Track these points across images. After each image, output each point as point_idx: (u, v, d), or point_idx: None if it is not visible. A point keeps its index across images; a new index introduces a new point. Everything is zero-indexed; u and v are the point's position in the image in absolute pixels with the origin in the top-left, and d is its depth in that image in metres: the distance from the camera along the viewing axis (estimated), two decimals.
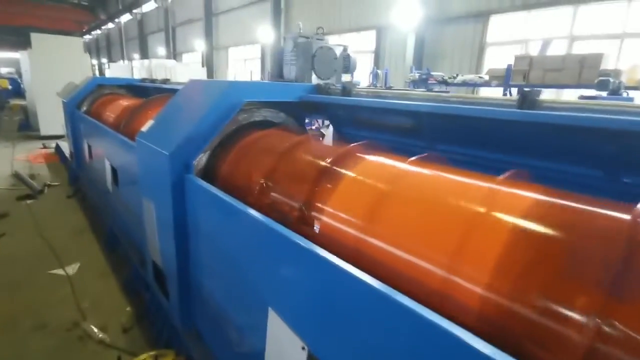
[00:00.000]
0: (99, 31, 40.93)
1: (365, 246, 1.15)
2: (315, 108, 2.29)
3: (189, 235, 1.86)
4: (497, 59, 8.58)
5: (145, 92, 5.61)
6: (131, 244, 2.99)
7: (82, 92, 5.32)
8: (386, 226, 1.12)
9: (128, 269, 2.90)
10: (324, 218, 1.33)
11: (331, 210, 1.31)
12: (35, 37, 9.04)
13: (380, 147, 1.58)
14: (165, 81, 4.83)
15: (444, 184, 1.16)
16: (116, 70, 20.91)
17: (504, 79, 6.38)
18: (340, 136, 2.41)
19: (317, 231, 1.38)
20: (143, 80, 5.61)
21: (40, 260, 3.19)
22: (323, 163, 1.47)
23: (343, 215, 1.26)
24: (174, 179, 1.77)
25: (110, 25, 36.96)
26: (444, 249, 0.97)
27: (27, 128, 10.20)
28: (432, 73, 7.76)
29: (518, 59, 6.34)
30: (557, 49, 7.55)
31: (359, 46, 12.56)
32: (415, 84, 7.77)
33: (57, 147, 7.58)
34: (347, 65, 3.59)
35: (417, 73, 7.93)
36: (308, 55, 3.10)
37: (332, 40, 13.15)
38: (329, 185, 1.39)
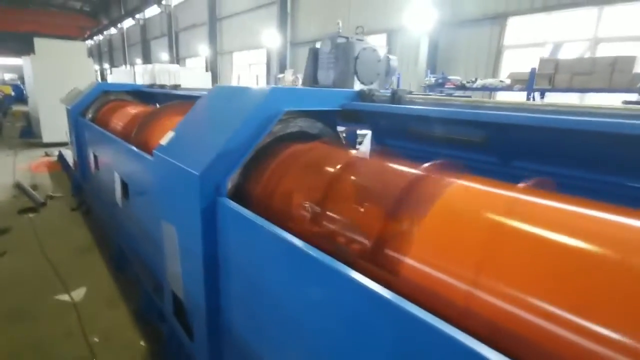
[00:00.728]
0: (100, 36, 41.01)
1: (477, 304, 0.87)
2: (356, 117, 2.03)
3: (221, 268, 1.59)
4: (515, 62, 8.33)
5: (153, 98, 5.40)
6: (143, 266, 2.72)
7: (86, 98, 5.09)
8: (509, 277, 0.85)
9: (139, 295, 2.62)
10: (407, 259, 1.06)
11: (419, 248, 1.04)
12: (38, 42, 8.86)
13: (457, 165, 1.31)
14: (176, 87, 4.59)
15: (582, 221, 0.89)
16: (118, 75, 20.79)
17: (527, 82, 6.12)
18: (382, 148, 2.14)
19: (392, 273, 1.11)
20: (151, 86, 5.39)
21: (43, 283, 2.92)
22: (396, 187, 1.20)
23: (438, 256, 0.99)
24: (205, 203, 1.50)
25: (112, 30, 37.02)
26: (610, 317, 0.69)
27: (29, 135, 9.99)
28: (449, 77, 7.52)
29: (543, 61, 6.09)
30: (578, 52, 7.31)
31: None
32: (430, 88, 7.52)
33: (60, 155, 7.35)
34: (387, 68, 3.37)
35: (433, 77, 7.68)
36: (349, 57, 2.85)
37: None
38: (408, 215, 1.13)
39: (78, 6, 38.59)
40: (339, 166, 1.53)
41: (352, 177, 1.41)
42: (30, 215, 4.44)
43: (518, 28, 8.35)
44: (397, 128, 1.96)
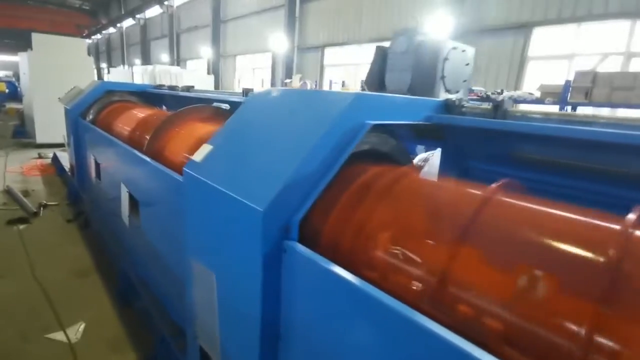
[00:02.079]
0: (99, 35, 40.63)
1: None
2: (436, 133, 1.65)
3: (282, 335, 1.18)
4: (539, 74, 8.05)
5: (161, 100, 5.00)
6: (156, 302, 2.29)
7: (87, 98, 4.69)
8: None
9: (151, 339, 2.20)
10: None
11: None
12: (36, 37, 8.46)
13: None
14: (189, 89, 4.20)
15: None
16: (116, 76, 20.41)
17: (559, 95, 5.81)
18: (463, 173, 1.76)
19: None
20: (159, 86, 5.00)
21: (34, 315, 2.49)
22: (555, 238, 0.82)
23: None
24: (268, 248, 1.11)
25: (111, 29, 36.66)
26: None
27: (22, 134, 9.52)
28: (473, 88, 7.20)
29: (579, 74, 5.78)
30: (609, 67, 7.03)
31: None
32: None
33: (55, 158, 6.91)
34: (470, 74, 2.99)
35: None
36: (435, 58, 2.46)
37: (351, 52, 12.62)
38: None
39: (77, 4, 38.23)
40: (444, 201, 1.15)
41: (470, 217, 1.02)
42: (21, 226, 3.99)
43: (544, 39, 8.09)
44: (494, 149, 1.58)
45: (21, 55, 8.98)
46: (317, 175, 1.16)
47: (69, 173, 5.37)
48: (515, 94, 6.48)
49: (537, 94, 6.31)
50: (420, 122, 1.48)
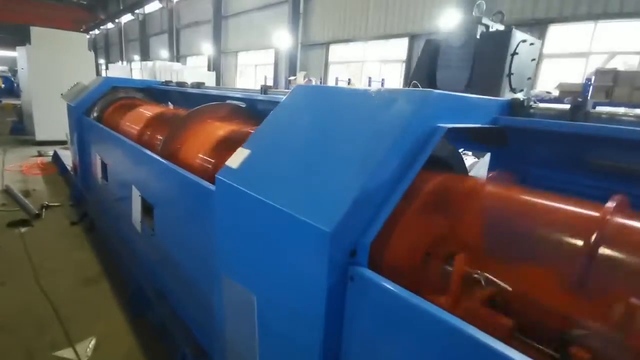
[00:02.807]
0: (97, 31, 40.23)
1: None
2: (498, 137, 1.48)
3: None
4: (555, 72, 7.89)
5: (168, 97, 4.83)
6: (174, 317, 2.12)
7: (92, 94, 4.51)
8: None
9: (168, 355, 2.04)
10: None
11: None
12: (35, 31, 8.24)
13: None
14: (199, 85, 4.02)
15: None
16: (115, 72, 20.12)
17: (579, 95, 5.66)
18: (515, 179, 1.59)
19: None
20: (166, 83, 4.81)
21: (40, 330, 2.32)
22: None
23: None
24: (333, 277, 0.94)
25: (109, 25, 36.29)
26: None
27: (20, 131, 9.31)
28: None
29: (600, 73, 5.63)
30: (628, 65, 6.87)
31: (386, 55, 11.89)
32: None
33: (55, 156, 6.72)
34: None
35: None
36: (502, 53, 2.23)
37: (357, 49, 12.42)
38: None
39: None
40: (542, 219, 0.99)
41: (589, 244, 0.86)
42: (22, 229, 3.81)
43: (559, 36, 7.92)
44: (566, 155, 1.41)
45: (19, 50, 8.77)
46: (387, 189, 0.99)
47: (72, 172, 5.19)
48: (532, 92, 6.31)
49: (555, 93, 6.15)
50: (492, 126, 1.32)
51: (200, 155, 2.26)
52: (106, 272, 3.04)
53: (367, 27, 11.86)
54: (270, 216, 1.09)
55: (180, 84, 4.40)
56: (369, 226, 0.96)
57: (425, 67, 2.68)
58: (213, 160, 2.16)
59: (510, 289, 0.96)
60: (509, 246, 1.04)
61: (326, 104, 1.30)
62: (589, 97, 5.54)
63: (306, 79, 11.44)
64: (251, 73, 18.50)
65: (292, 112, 1.39)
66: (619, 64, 6.98)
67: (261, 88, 2.93)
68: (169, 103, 4.93)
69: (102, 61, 38.97)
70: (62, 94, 4.99)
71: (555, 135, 1.32)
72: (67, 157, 5.88)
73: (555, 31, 7.99)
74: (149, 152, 2.35)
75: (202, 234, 1.70)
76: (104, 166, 3.59)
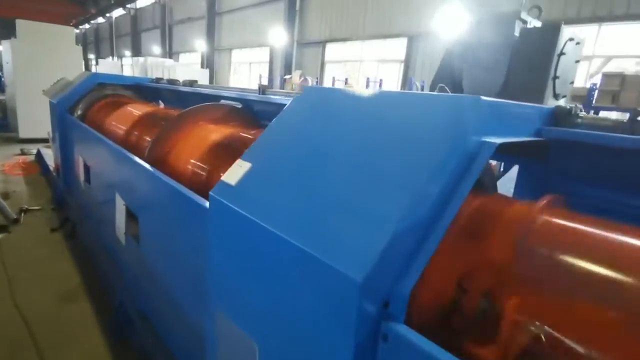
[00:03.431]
0: (87, 25, 39.51)
1: None
2: (547, 150, 1.29)
3: None
4: None
5: (158, 95, 4.58)
6: (160, 345, 1.90)
7: (76, 91, 4.26)
8: None
9: None
10: None
11: None
12: (21, 24, 7.91)
13: None
14: (192, 83, 3.78)
15: None
16: (105, 67, 19.68)
17: (585, 99, 5.53)
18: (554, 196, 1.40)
19: None
20: (157, 80, 4.57)
21: (12, 352, 2.08)
22: None
23: None
24: (362, 334, 0.73)
25: (100, 19, 35.64)
26: None
27: (3, 128, 8.95)
28: None
29: (607, 77, 5.50)
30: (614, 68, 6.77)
31: (384, 55, 11.71)
32: None
33: (39, 155, 6.42)
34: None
35: None
36: (546, 52, 1.97)
37: (354, 48, 12.22)
38: None
39: None
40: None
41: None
42: None
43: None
44: (618, 172, 1.22)
45: (4, 44, 8.41)
46: (429, 221, 0.79)
47: (54, 173, 4.91)
48: None
49: None
50: (541, 139, 1.12)
51: (192, 162, 2.03)
52: (86, 285, 2.79)
53: (364, 26, 11.66)
54: (279, 250, 0.88)
55: (172, 82, 4.16)
56: (408, 270, 0.75)
57: (450, 68, 2.43)
58: (207, 168, 1.94)
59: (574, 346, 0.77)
60: (574, 293, 0.84)
61: (346, 111, 1.09)
62: (593, 102, 5.42)
63: (302, 78, 11.22)
64: (245, 71, 18.20)
65: (303, 119, 1.18)
66: (614, 68, 6.89)
67: (259, 88, 2.71)
68: (160, 102, 4.69)
69: (92, 56, 38.25)
70: (44, 90, 4.71)
71: (608, 149, 1.13)
72: (51, 156, 5.59)
73: None
74: (133, 156, 2.11)
75: (192, 255, 1.48)
76: (87, 168, 3.34)
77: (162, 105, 4.57)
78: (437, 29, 8.88)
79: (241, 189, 1.09)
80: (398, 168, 0.82)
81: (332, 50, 13.35)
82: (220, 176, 1.81)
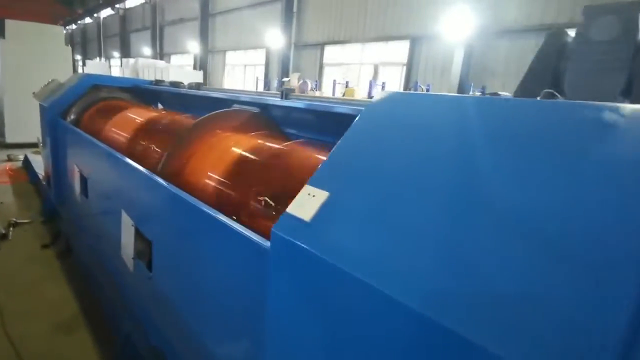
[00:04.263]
0: (74, 26, 38.74)
1: None
2: None
3: None
4: None
5: (158, 98, 4.30)
6: None
7: (70, 94, 3.96)
8: None
9: None
10: None
11: None
12: (10, 24, 7.54)
13: None
14: (198, 86, 3.51)
15: None
16: (93, 69, 19.19)
17: None
18: None
19: None
20: (157, 82, 4.27)
21: None
22: None
23: None
24: None
25: (87, 19, 34.97)
26: None
27: None
28: (500, 93, 6.72)
29: None
30: None
31: (385, 58, 11.53)
32: None
33: (26, 161, 6.05)
34: None
35: (479, 91, 6.89)
36: None
37: (354, 51, 12.02)
38: None
39: None
40: None
41: None
42: None
43: None
44: None
45: None
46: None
47: (44, 182, 4.57)
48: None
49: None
50: None
51: (217, 177, 1.77)
52: (85, 313, 2.49)
53: (364, 28, 11.48)
54: (385, 313, 0.63)
55: (175, 84, 3.87)
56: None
57: (544, 69, 2.17)
58: (236, 185, 1.68)
59: None
60: None
61: (447, 122, 0.84)
62: None
63: (301, 81, 10.97)
64: (240, 73, 17.89)
65: (400, 134, 0.92)
66: None
67: (281, 92, 2.46)
68: (159, 104, 4.41)
69: (78, 57, 37.46)
70: (34, 93, 4.38)
71: None
72: (39, 162, 5.25)
73: None
74: (147, 171, 1.84)
75: (236, 299, 1.22)
76: (83, 179, 3.04)
77: (160, 107, 4.30)
78: (443, 32, 8.73)
79: (320, 227, 0.84)
80: (579, 219, 0.57)
81: (331, 53, 13.15)
82: (253, 196, 1.56)
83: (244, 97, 2.87)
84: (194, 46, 19.37)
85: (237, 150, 1.85)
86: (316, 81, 12.03)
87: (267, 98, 2.60)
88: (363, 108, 1.93)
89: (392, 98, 1.08)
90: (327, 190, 0.90)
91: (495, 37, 8.39)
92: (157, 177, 1.75)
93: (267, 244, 0.95)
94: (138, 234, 1.97)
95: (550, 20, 7.71)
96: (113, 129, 3.09)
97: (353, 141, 0.98)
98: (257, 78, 14.23)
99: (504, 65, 8.41)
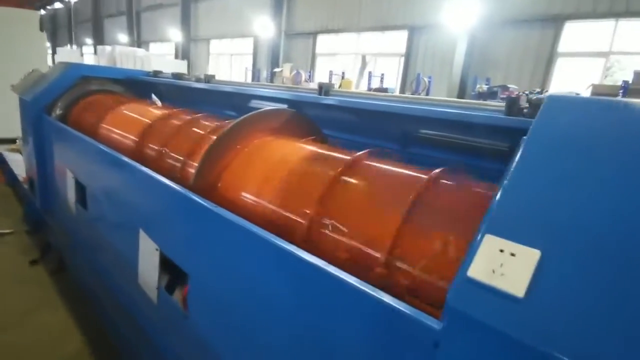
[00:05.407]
0: (42, 11, 36.69)
1: None
2: None
3: None
4: (570, 72, 7.59)
5: (155, 91, 3.92)
6: None
7: (55, 86, 3.54)
8: None
9: None
10: None
11: None
12: None
13: None
14: (209, 79, 3.13)
15: None
16: (64, 56, 18.19)
17: (616, 97, 5.30)
18: None
19: None
20: (154, 74, 3.88)
21: None
22: None
23: None
24: None
25: (57, 4, 33.17)
26: None
27: None
28: (509, 86, 6.58)
29: (638, 75, 5.28)
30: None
31: (382, 48, 11.24)
32: (482, 96, 6.54)
33: (2, 160, 5.50)
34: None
35: (486, 84, 6.71)
36: None
37: (349, 41, 11.64)
38: None
39: None
40: None
41: None
42: None
43: (576, 34, 7.60)
44: None
45: None
46: None
47: (25, 185, 4.11)
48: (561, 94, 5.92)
49: (587, 94, 5.78)
50: None
51: (267, 197, 1.46)
52: (93, 347, 2.15)
53: (360, 17, 11.12)
54: None
55: (178, 76, 3.49)
56: None
57: None
58: (298, 208, 1.37)
59: None
60: None
61: None
62: None
63: (294, 72, 10.58)
64: (226, 63, 17.26)
65: (619, 159, 0.65)
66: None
67: (320, 87, 2.15)
68: (153, 96, 4.05)
69: (48, 45, 35.58)
70: (12, 85, 3.91)
71: None
72: (16, 162, 4.76)
73: (571, 29, 7.68)
74: (180, 188, 1.51)
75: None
76: (80, 187, 2.66)
77: (156, 100, 3.93)
78: (444, 21, 8.50)
79: (545, 309, 0.56)
80: None
81: (324, 43, 12.74)
82: (321, 221, 1.26)
83: (267, 92, 2.55)
84: (175, 34, 18.55)
85: (290, 160, 1.54)
86: (309, 72, 11.65)
87: (301, 94, 2.28)
88: (438, 109, 1.65)
89: (566, 107, 0.81)
90: (533, 247, 0.62)
91: (500, 27, 8.22)
92: (200, 199, 1.42)
93: (437, 324, 0.67)
94: (164, 260, 1.65)
95: (557, 10, 7.58)
96: (113, 127, 2.71)
97: (543, 171, 0.71)
98: (245, 68, 13.71)
99: (506, 56, 8.27)
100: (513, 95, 6.01)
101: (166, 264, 1.67)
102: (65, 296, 2.60)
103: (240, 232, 1.23)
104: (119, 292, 2.13)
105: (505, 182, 0.73)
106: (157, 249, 1.68)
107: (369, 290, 0.82)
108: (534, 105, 1.42)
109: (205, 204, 1.36)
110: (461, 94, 8.21)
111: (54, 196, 3.29)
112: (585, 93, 5.90)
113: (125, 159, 1.95)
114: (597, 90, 5.80)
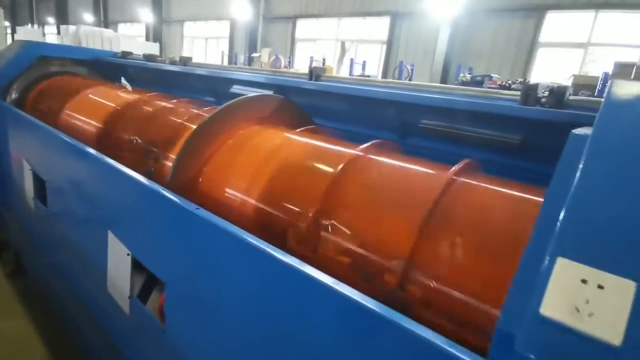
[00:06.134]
0: None
1: None
2: None
3: None
4: (550, 62, 7.66)
5: (123, 73, 3.62)
6: None
7: (10, 67, 3.23)
8: None
9: None
10: None
11: None
12: None
13: None
14: (186, 61, 2.88)
15: None
16: (24, 36, 16.98)
17: (595, 88, 5.36)
18: None
19: None
20: (123, 55, 3.58)
21: None
22: None
23: None
24: None
25: None
26: None
27: None
28: (492, 75, 6.55)
29: (619, 66, 5.34)
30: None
31: (363, 34, 11.02)
32: (465, 85, 6.50)
33: None
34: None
35: (469, 74, 6.66)
36: None
37: (330, 26, 11.37)
38: None
39: None
40: None
41: None
42: None
43: (557, 24, 7.64)
44: None
45: None
46: None
47: None
48: (542, 84, 5.95)
49: (568, 85, 5.82)
50: None
51: (258, 194, 1.29)
52: (57, 355, 1.93)
53: (341, 1, 10.84)
54: None
55: (150, 58, 3.22)
56: None
57: None
58: (283, 205, 1.21)
59: None
60: None
61: None
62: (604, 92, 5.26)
63: (273, 57, 10.24)
64: (201, 46, 16.59)
65: None
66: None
67: (310, 72, 1.97)
68: (123, 80, 3.74)
69: (7, 24, 33.22)
70: None
71: None
72: None
73: (553, 19, 7.72)
74: (156, 187, 1.31)
75: None
76: (39, 181, 2.38)
77: (125, 83, 3.64)
78: (427, 8, 8.38)
79: None
80: None
81: (304, 28, 12.37)
82: (320, 221, 1.11)
83: (250, 77, 2.35)
84: (145, 14, 17.63)
85: (281, 154, 1.36)
86: (289, 58, 11.31)
87: (288, 79, 2.10)
88: (459, 98, 1.51)
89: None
90: (625, 276, 0.48)
91: (483, 15, 8.18)
92: (179, 198, 1.24)
93: None
94: (137, 267, 1.46)
95: (540, 1, 7.59)
96: (76, 114, 2.45)
97: (625, 173, 0.57)
98: (222, 52, 13.20)
99: (489, 46, 8.26)
100: (498, 85, 5.96)
101: (139, 268, 1.48)
102: (24, 302, 2.35)
103: (224, 237, 1.06)
104: (87, 300, 1.92)
105: (573, 187, 0.59)
106: (128, 254, 1.48)
107: (394, 318, 0.67)
108: (556, 94, 1.31)
109: (184, 205, 1.18)
110: (443, 82, 8.16)
111: (9, 189, 2.98)
112: (567, 83, 5.95)
113: (90, 150, 1.72)
114: (578, 80, 5.86)
